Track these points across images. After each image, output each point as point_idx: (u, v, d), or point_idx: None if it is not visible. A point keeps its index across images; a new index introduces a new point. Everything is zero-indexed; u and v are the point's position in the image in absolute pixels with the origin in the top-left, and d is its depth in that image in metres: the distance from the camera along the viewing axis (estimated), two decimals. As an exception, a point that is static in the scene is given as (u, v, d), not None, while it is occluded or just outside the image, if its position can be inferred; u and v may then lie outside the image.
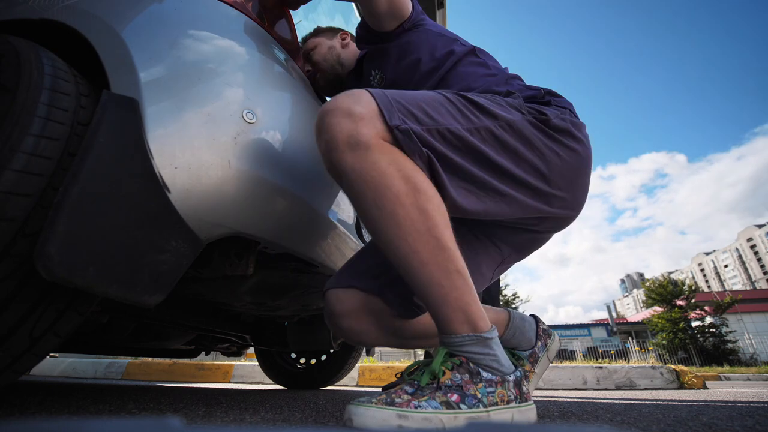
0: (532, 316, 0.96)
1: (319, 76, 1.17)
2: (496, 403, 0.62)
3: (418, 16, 1.00)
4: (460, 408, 0.59)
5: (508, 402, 0.64)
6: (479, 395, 0.61)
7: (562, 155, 0.79)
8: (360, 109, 0.63)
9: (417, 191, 0.64)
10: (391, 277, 0.80)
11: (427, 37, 0.98)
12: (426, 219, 0.63)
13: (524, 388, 0.68)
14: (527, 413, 0.67)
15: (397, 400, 0.58)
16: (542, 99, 0.86)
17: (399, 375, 0.70)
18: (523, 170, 0.76)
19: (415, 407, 0.56)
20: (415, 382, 0.62)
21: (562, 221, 0.87)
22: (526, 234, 0.90)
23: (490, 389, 0.63)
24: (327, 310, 0.83)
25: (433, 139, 0.68)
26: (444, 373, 0.62)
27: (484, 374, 0.64)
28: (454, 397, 0.59)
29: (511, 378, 0.66)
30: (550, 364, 0.98)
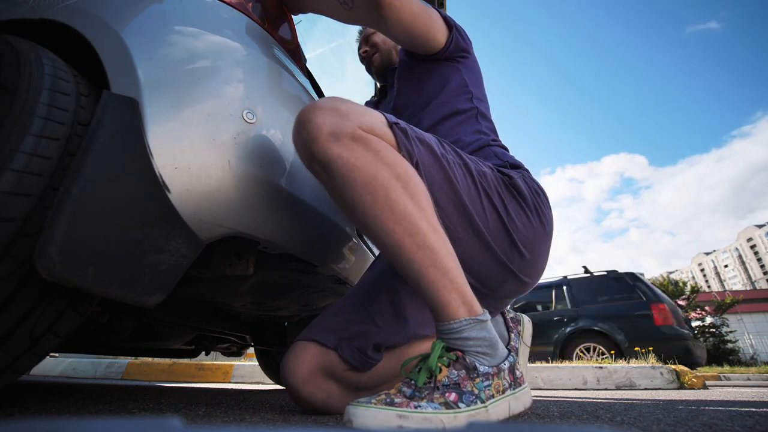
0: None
1: (376, 55, 1.26)
2: (493, 396, 0.63)
3: (457, 53, 1.01)
4: (458, 407, 0.59)
5: (503, 391, 0.65)
6: (476, 391, 0.62)
7: (525, 219, 0.83)
8: (344, 106, 0.66)
9: (407, 177, 0.65)
10: (351, 332, 0.81)
11: (454, 78, 1.01)
12: (418, 204, 0.64)
13: (518, 372, 0.69)
14: (522, 398, 0.68)
15: (397, 400, 0.58)
16: (514, 169, 0.90)
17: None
18: (488, 217, 0.79)
19: (415, 407, 0.57)
20: (412, 382, 0.62)
21: (519, 287, 0.86)
22: (483, 299, 0.78)
23: (486, 383, 0.63)
24: (285, 380, 0.81)
25: (421, 146, 0.72)
26: (440, 370, 0.62)
27: (481, 368, 0.64)
28: (452, 396, 0.60)
29: (506, 365, 0.67)
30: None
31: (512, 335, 0.90)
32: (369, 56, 1.28)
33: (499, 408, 0.64)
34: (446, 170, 0.75)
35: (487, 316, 0.67)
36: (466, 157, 0.81)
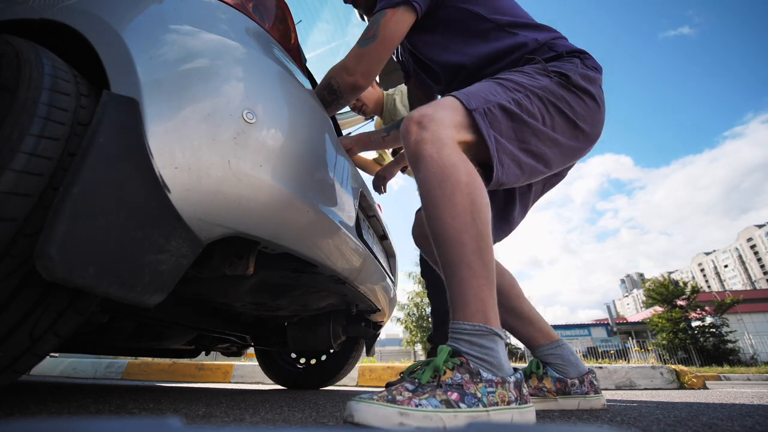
0: (591, 370, 1.08)
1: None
2: (497, 403, 0.63)
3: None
4: (459, 407, 0.59)
5: (509, 403, 0.65)
6: (479, 395, 0.62)
7: (584, 105, 0.94)
8: (442, 114, 0.80)
9: (474, 185, 0.75)
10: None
11: (459, 16, 1.06)
12: (475, 209, 0.73)
13: (524, 391, 0.69)
14: (527, 415, 0.67)
15: (398, 397, 0.58)
16: (562, 58, 0.98)
17: (401, 374, 0.71)
18: (558, 127, 0.91)
19: (416, 405, 0.57)
20: (416, 380, 0.63)
21: (585, 151, 1.01)
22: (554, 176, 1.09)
23: (490, 389, 0.63)
24: None
25: (492, 115, 0.84)
26: (445, 372, 0.63)
27: (485, 374, 0.64)
28: (454, 396, 0.60)
29: (512, 380, 0.67)
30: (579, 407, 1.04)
31: (582, 385, 1.05)
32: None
33: (502, 416, 0.63)
34: (518, 115, 0.86)
35: (501, 333, 0.70)
36: (526, 82, 0.90)
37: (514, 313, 1.12)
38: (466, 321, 0.68)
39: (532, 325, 1.12)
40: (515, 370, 0.70)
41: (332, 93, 1.04)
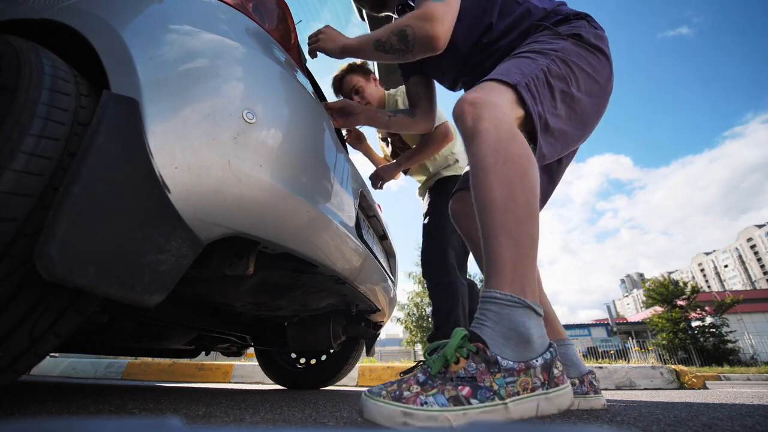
0: (591, 371, 1.06)
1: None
2: (517, 393, 0.57)
3: None
4: (470, 403, 0.55)
5: (533, 389, 0.59)
6: (495, 386, 0.57)
7: (597, 60, 0.96)
8: (492, 94, 0.81)
9: (528, 159, 0.75)
10: None
11: None
12: (525, 180, 0.73)
13: (555, 371, 0.61)
14: (556, 399, 0.60)
15: (405, 393, 0.55)
16: (570, 21, 1.00)
17: (420, 362, 0.70)
18: (584, 86, 0.93)
19: (422, 404, 0.54)
20: (428, 368, 0.60)
21: (603, 111, 1.04)
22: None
23: (510, 379, 0.58)
24: None
25: (534, 87, 0.85)
26: (458, 361, 0.59)
27: (504, 362, 0.59)
28: (465, 391, 0.56)
29: (539, 362, 0.60)
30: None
31: (581, 384, 1.01)
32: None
33: (524, 407, 0.58)
34: (553, 82, 0.88)
35: (540, 310, 0.65)
36: (547, 48, 0.93)
37: None
38: (499, 289, 0.64)
39: (545, 320, 1.09)
40: (549, 345, 0.63)
41: (403, 41, 0.98)
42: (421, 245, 1.82)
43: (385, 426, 0.53)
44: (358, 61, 1.90)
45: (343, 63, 1.91)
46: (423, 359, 0.68)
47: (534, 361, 0.60)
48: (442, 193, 1.83)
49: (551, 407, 0.60)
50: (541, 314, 0.65)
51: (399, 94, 1.91)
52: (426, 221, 1.84)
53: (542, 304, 1.05)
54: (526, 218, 0.69)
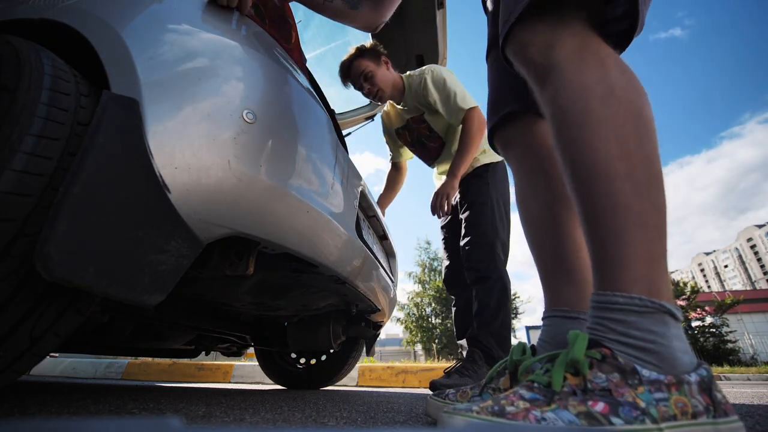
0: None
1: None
2: (674, 417, 0.41)
3: None
4: (612, 423, 0.39)
5: (695, 416, 0.41)
6: (642, 404, 0.41)
7: None
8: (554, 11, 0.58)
9: (637, 88, 0.52)
10: None
11: None
12: (641, 123, 0.50)
13: (718, 396, 0.44)
14: None
15: (509, 408, 0.42)
16: None
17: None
18: None
19: (537, 420, 0.40)
20: (535, 384, 0.45)
21: None
22: None
23: (659, 395, 0.42)
24: None
25: None
26: (577, 372, 0.44)
27: (645, 373, 0.43)
28: (600, 407, 0.41)
29: (694, 379, 0.43)
30: None
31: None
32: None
33: None
34: None
35: (676, 311, 0.47)
36: None
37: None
38: (621, 292, 0.46)
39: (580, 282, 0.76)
40: (699, 365, 0.45)
41: None
42: (462, 239, 1.65)
43: None
44: (368, 43, 1.76)
45: (352, 48, 1.77)
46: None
47: (687, 376, 0.43)
48: (482, 182, 1.69)
49: None
50: (680, 319, 0.47)
51: (427, 72, 1.69)
52: (467, 214, 1.67)
53: (587, 269, 0.73)
54: (650, 183, 0.48)
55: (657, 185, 0.49)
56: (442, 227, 1.91)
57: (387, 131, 2.03)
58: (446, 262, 1.85)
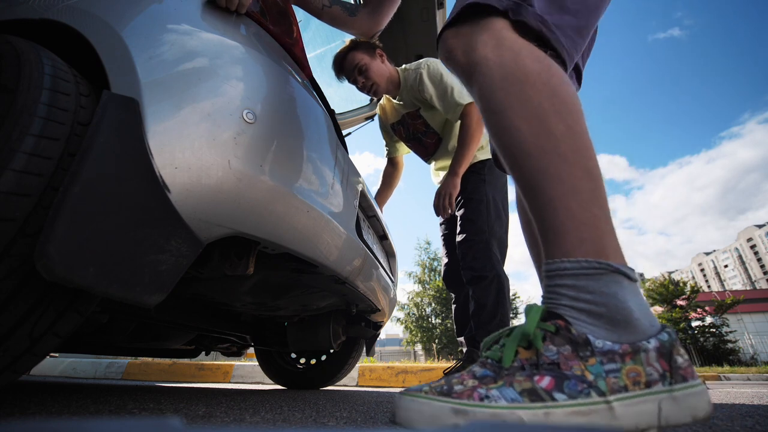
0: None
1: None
2: (625, 388, 0.39)
3: None
4: (555, 399, 0.38)
5: (649, 384, 0.40)
6: (590, 376, 0.40)
7: None
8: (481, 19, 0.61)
9: (549, 70, 0.56)
10: None
11: None
12: (558, 100, 0.54)
13: (679, 360, 0.42)
14: (688, 401, 0.40)
15: (457, 387, 0.42)
16: None
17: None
18: None
19: (481, 398, 0.40)
20: (489, 360, 0.45)
21: None
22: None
23: (610, 366, 0.40)
24: None
25: None
26: (530, 345, 0.43)
27: (598, 343, 0.41)
28: (545, 382, 0.40)
29: (651, 345, 0.41)
30: None
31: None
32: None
33: (638, 409, 0.39)
34: None
35: (629, 271, 0.45)
36: None
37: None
38: (566, 257, 0.46)
39: None
40: (662, 328, 0.44)
41: None
42: (458, 236, 1.65)
43: (427, 430, 0.39)
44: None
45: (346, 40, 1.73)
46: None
47: (645, 343, 0.41)
48: (478, 178, 1.68)
49: (681, 412, 0.40)
50: (636, 279, 0.46)
51: (423, 66, 1.66)
52: (463, 211, 1.66)
53: None
54: (576, 151, 0.50)
55: (585, 154, 0.51)
56: (441, 223, 1.90)
57: (383, 126, 1.99)
58: (445, 260, 1.84)
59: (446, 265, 1.82)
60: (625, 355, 0.41)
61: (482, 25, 0.61)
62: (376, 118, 2.13)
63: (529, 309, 0.46)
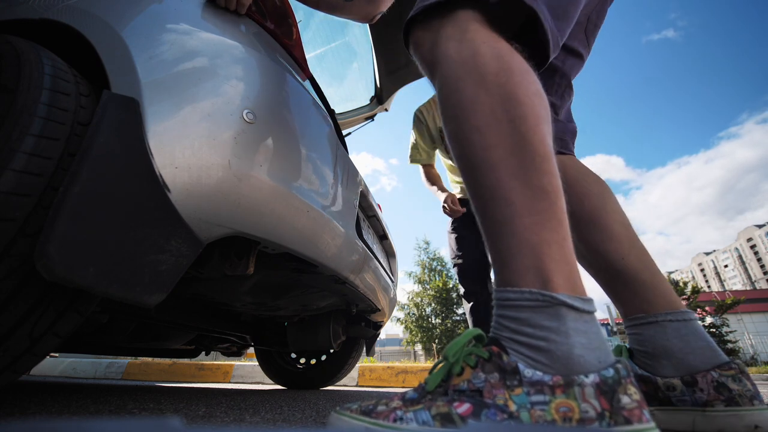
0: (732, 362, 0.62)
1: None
2: (553, 423, 0.37)
3: None
4: (467, 424, 0.38)
5: (581, 421, 0.37)
6: (512, 407, 0.38)
7: None
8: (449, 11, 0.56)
9: (508, 70, 0.49)
10: None
11: None
12: (511, 105, 0.47)
13: (624, 399, 0.38)
14: None
15: (380, 407, 0.42)
16: None
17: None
18: None
19: (395, 420, 0.40)
20: (422, 384, 0.45)
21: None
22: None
23: (537, 397, 0.38)
24: None
25: None
26: (463, 371, 0.42)
27: (527, 372, 0.40)
28: (463, 408, 0.39)
29: (590, 380, 0.38)
30: None
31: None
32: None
33: None
34: None
35: (573, 301, 0.42)
36: None
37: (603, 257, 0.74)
38: (512, 287, 0.43)
39: (650, 286, 0.70)
40: (614, 363, 0.40)
41: None
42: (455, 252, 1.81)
43: None
44: None
45: None
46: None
47: (583, 377, 0.38)
48: None
49: None
50: (587, 310, 0.42)
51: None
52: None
53: (645, 268, 0.70)
54: (528, 167, 0.45)
55: (539, 168, 0.46)
56: (454, 228, 1.91)
57: (427, 132, 1.95)
58: (459, 261, 1.86)
59: (463, 264, 1.85)
60: (555, 387, 0.38)
61: (450, 17, 0.55)
62: (377, 118, 2.13)
63: (465, 333, 0.46)
